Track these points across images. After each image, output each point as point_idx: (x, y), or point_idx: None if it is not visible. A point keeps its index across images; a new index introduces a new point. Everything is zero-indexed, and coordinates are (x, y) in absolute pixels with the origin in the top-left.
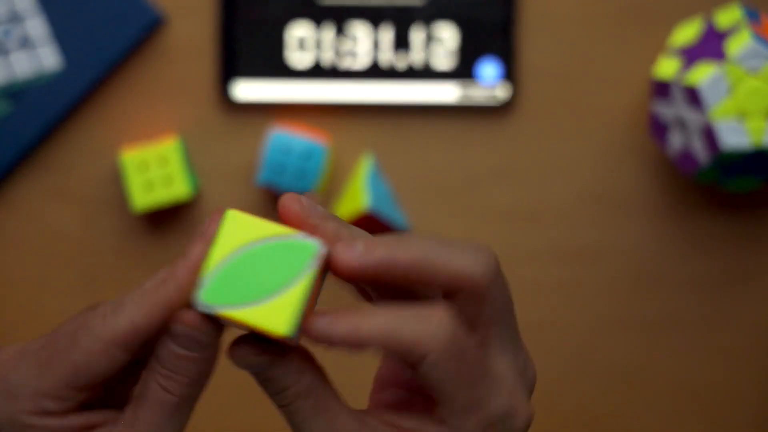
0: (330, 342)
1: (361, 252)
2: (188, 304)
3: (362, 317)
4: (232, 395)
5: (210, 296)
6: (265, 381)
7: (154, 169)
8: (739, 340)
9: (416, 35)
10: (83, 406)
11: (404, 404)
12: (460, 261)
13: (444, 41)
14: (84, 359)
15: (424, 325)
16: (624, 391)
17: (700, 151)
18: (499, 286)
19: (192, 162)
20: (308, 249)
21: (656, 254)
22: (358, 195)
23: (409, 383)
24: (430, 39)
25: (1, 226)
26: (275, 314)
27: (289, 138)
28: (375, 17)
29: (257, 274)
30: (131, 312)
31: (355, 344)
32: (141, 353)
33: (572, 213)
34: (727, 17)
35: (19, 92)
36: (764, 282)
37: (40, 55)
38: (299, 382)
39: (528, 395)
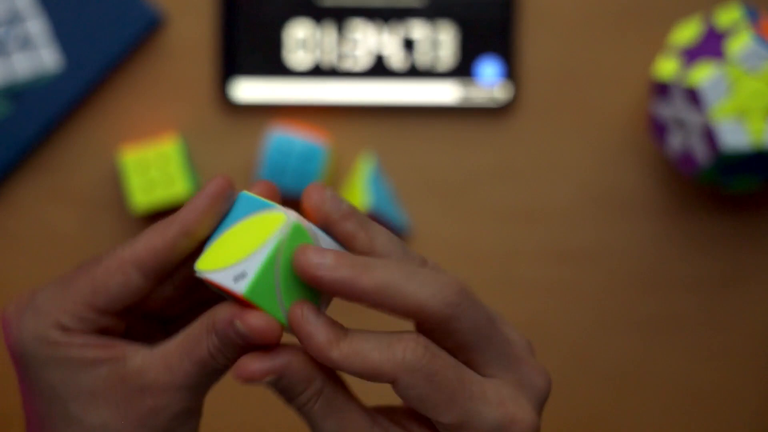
0: (323, 285)
1: (327, 266)
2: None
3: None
4: (231, 395)
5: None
6: (278, 391)
7: (154, 169)
8: (739, 340)
9: (416, 35)
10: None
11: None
12: (418, 295)
13: (444, 41)
14: (102, 277)
15: (389, 353)
16: (623, 391)
17: (700, 151)
18: (467, 314)
19: (192, 162)
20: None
21: (656, 254)
22: (358, 195)
23: None
24: (429, 39)
25: (1, 226)
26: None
27: (289, 138)
28: (375, 17)
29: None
30: (149, 235)
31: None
32: (156, 286)
33: (572, 213)
34: (727, 17)
35: (19, 92)
36: (764, 282)
37: (40, 55)
38: (309, 388)
39: (533, 406)
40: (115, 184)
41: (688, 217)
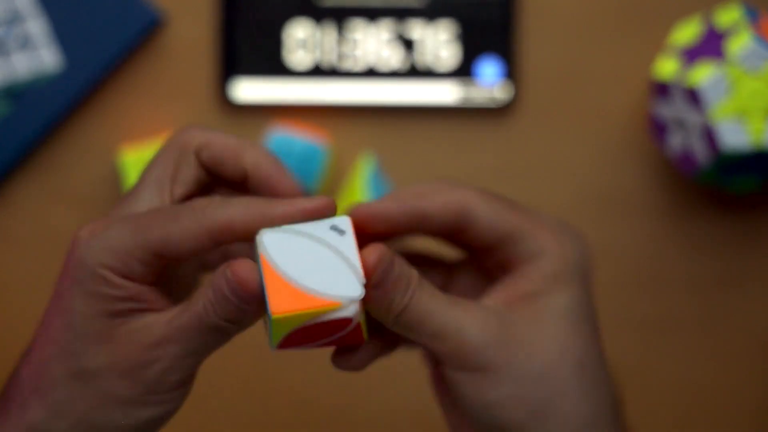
0: (390, 220)
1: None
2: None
3: (399, 196)
4: (229, 395)
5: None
6: (387, 289)
7: None
8: (739, 341)
9: (416, 35)
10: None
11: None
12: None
13: (444, 41)
14: (178, 235)
15: (458, 188)
16: (622, 391)
17: (700, 151)
18: (487, 194)
19: None
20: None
21: (656, 254)
22: (358, 195)
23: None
24: (430, 39)
25: (1, 226)
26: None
27: (289, 138)
28: (375, 17)
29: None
30: (234, 210)
31: (415, 218)
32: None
33: (572, 213)
34: (727, 17)
35: (19, 92)
36: (764, 283)
37: (40, 55)
38: (413, 274)
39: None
40: (115, 184)
41: (688, 217)
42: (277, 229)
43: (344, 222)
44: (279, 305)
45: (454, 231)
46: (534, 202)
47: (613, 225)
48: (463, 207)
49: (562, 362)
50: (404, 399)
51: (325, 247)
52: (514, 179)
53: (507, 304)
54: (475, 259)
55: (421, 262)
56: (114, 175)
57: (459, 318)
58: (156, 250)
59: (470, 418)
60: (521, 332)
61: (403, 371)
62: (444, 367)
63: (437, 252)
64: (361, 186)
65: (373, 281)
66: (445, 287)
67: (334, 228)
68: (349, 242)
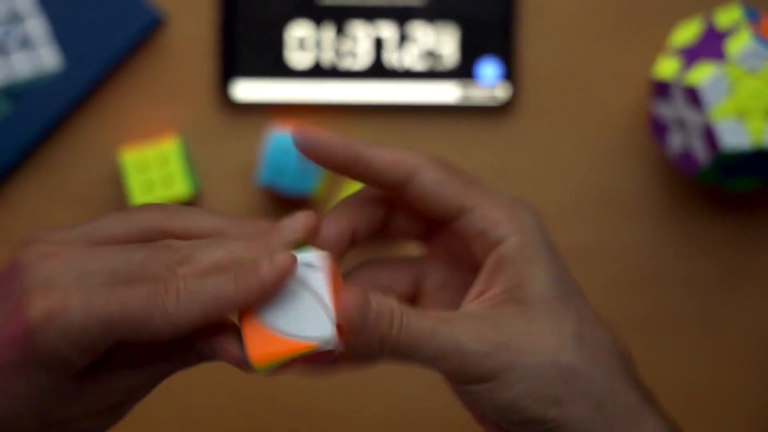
0: (328, 156)
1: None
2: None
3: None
4: (229, 395)
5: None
6: (370, 332)
7: (154, 169)
8: (739, 341)
9: (416, 35)
10: None
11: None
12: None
13: (444, 41)
14: (154, 324)
15: (410, 153)
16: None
17: (700, 151)
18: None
19: (192, 162)
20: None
21: (656, 254)
22: None
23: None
24: (430, 39)
25: (1, 226)
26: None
27: (289, 138)
28: (375, 17)
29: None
30: (188, 311)
31: (357, 161)
32: None
33: (572, 213)
34: (727, 17)
35: (19, 92)
36: (764, 282)
37: (40, 55)
38: (394, 305)
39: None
40: (115, 184)
41: (688, 217)
42: None
43: (317, 259)
44: (256, 352)
45: (397, 190)
46: (534, 202)
47: (613, 225)
48: (410, 170)
49: (562, 346)
50: (401, 402)
51: (297, 284)
52: (513, 179)
53: (492, 305)
54: (436, 240)
55: (389, 266)
56: (114, 175)
57: (454, 334)
58: (119, 333)
59: (492, 419)
60: (516, 330)
61: (401, 373)
62: (451, 383)
63: (403, 254)
64: (360, 186)
65: (353, 329)
66: (417, 287)
67: (308, 265)
68: (321, 279)
